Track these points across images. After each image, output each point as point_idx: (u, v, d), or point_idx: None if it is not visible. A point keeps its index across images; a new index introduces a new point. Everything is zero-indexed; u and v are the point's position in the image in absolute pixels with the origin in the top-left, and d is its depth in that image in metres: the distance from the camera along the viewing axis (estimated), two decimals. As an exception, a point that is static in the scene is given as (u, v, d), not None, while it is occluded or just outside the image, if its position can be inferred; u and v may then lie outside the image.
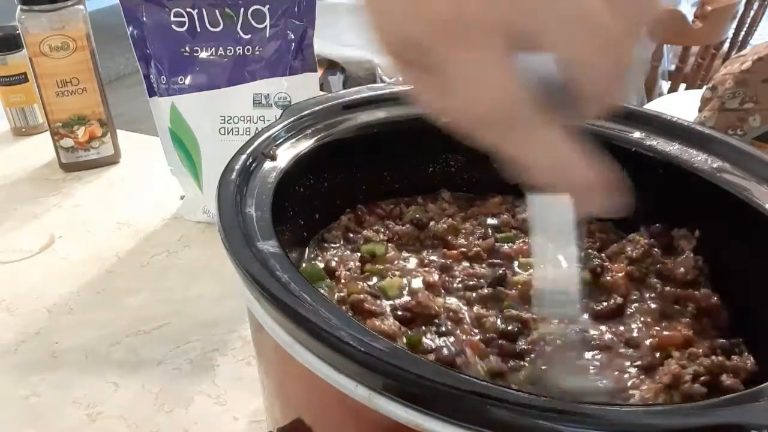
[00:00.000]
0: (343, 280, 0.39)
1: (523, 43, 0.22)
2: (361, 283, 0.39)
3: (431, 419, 0.23)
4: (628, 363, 0.34)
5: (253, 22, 0.62)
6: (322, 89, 1.38)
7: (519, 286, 0.38)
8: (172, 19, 0.62)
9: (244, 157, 0.37)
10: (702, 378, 0.32)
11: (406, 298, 0.37)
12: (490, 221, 0.45)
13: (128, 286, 0.61)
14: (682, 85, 1.92)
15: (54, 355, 0.53)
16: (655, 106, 1.29)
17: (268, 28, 0.62)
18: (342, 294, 0.38)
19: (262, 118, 0.64)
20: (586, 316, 0.37)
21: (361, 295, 0.37)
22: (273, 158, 0.38)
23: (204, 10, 0.62)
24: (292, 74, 0.63)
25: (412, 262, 0.42)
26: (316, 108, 0.43)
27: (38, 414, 0.48)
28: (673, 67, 2.02)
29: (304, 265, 0.41)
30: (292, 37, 0.62)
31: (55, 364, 0.52)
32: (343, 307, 0.36)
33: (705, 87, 0.73)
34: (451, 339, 0.35)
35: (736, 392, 0.29)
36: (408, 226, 0.44)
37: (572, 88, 0.23)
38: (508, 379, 0.33)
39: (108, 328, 0.55)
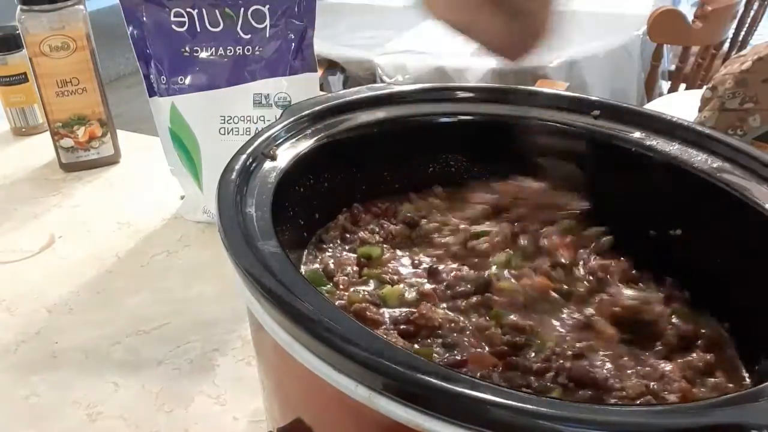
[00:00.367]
0: (341, 286, 0.39)
1: None
2: (360, 289, 0.39)
3: (431, 419, 0.23)
4: None
5: (253, 22, 0.62)
6: (322, 89, 1.38)
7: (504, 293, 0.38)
8: (172, 19, 0.62)
9: (244, 157, 0.37)
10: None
11: (406, 309, 0.37)
12: (471, 212, 0.45)
13: (128, 286, 0.61)
14: (682, 85, 1.92)
15: (54, 355, 0.53)
16: (655, 106, 1.29)
17: (268, 28, 0.62)
18: (343, 302, 0.38)
19: (262, 118, 0.64)
20: None
21: (363, 304, 0.37)
22: (273, 158, 0.38)
23: (204, 10, 0.62)
24: (292, 74, 0.63)
25: (406, 263, 0.42)
26: (316, 108, 0.43)
27: (38, 414, 0.48)
28: (673, 67, 2.01)
29: (303, 268, 0.41)
30: (292, 37, 0.63)
31: (55, 364, 0.52)
32: None
33: (705, 87, 0.73)
34: (455, 351, 0.35)
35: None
36: (401, 225, 0.45)
37: None
38: None
39: (108, 328, 0.55)
